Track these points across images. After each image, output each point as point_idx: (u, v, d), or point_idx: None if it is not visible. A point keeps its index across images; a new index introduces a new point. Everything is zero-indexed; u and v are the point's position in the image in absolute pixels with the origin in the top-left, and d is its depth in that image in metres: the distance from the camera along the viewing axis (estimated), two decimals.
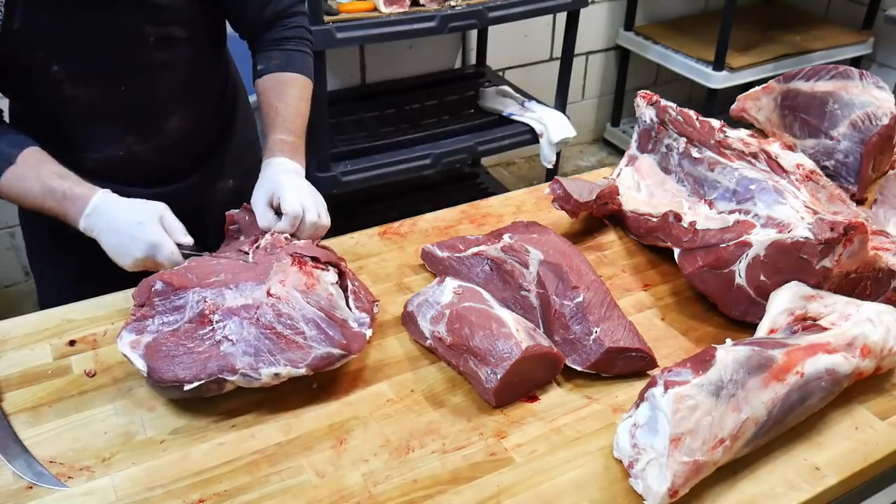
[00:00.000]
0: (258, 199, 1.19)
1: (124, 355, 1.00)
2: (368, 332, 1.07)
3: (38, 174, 1.14)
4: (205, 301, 1.03)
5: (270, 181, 1.20)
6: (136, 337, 1.01)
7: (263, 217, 1.18)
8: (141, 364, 0.98)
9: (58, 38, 1.14)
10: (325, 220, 1.20)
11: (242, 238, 1.22)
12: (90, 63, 1.18)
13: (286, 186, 1.18)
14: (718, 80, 3.10)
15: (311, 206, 1.18)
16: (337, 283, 1.11)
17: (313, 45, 1.38)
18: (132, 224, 1.11)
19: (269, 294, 1.03)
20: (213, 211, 1.39)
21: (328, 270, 1.11)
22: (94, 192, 1.13)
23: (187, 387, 0.97)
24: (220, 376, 0.97)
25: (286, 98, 1.28)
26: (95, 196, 1.13)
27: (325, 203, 1.23)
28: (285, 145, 1.25)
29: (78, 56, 1.17)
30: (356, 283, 1.16)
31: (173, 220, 1.14)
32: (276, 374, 0.99)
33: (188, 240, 1.15)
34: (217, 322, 1.01)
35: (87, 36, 1.16)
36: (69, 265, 1.37)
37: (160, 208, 1.14)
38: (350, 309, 1.10)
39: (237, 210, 1.24)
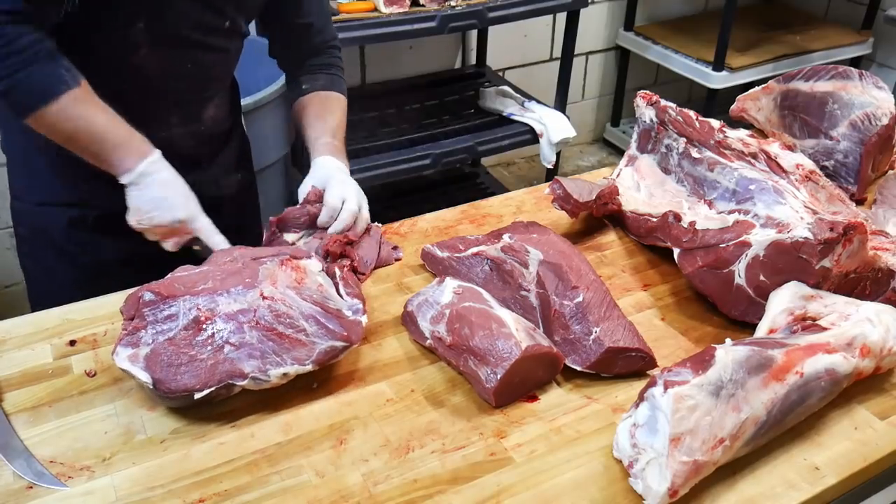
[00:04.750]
0: (305, 186, 1.32)
1: (124, 371, 0.98)
2: (364, 319, 1.07)
3: (105, 105, 1.15)
4: (198, 308, 1.01)
5: (321, 174, 1.32)
6: (132, 350, 0.99)
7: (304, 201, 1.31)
8: (145, 377, 0.97)
9: None
10: (366, 214, 1.32)
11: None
12: (173, 27, 1.21)
13: (333, 180, 1.30)
14: (718, 80, 3.10)
15: (352, 199, 1.29)
16: (323, 270, 1.11)
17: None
18: (187, 188, 1.20)
19: (263, 297, 1.03)
20: (227, 202, 1.43)
21: (311, 258, 1.11)
22: (153, 147, 1.19)
23: (198, 395, 0.96)
24: (230, 381, 0.97)
25: (332, 113, 1.44)
26: (157, 150, 1.19)
27: (366, 200, 1.35)
28: (333, 147, 1.38)
29: (165, 17, 1.19)
30: (343, 271, 1.17)
31: None
32: (285, 374, 0.99)
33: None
34: (216, 328, 1.00)
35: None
36: (65, 271, 1.38)
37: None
38: (342, 296, 1.10)
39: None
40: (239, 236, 1.26)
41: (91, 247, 1.35)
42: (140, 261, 1.25)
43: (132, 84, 1.23)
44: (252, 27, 1.49)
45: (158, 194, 1.17)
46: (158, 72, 1.24)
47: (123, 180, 1.17)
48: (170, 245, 1.22)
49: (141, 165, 1.16)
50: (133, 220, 1.19)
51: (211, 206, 1.37)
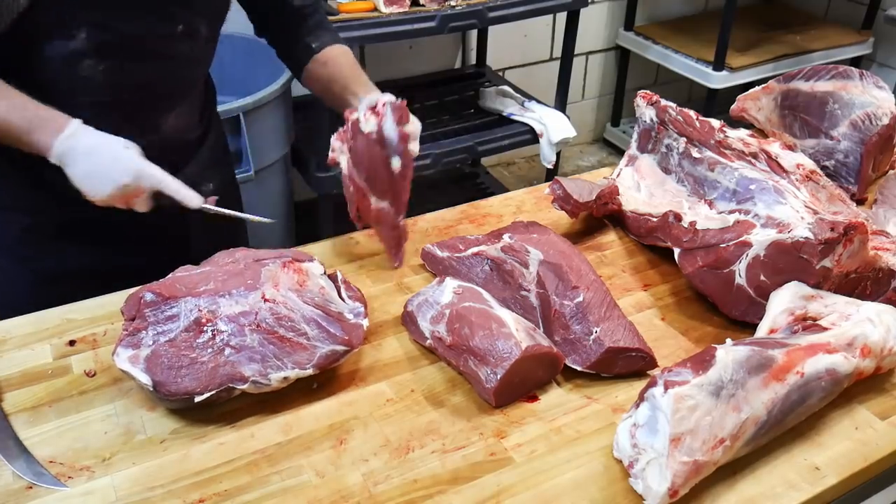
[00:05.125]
0: (387, 97, 1.25)
1: (125, 372, 0.98)
2: (365, 323, 1.07)
3: (6, 89, 1.10)
4: (199, 310, 1.01)
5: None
6: (133, 352, 0.99)
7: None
8: (145, 379, 0.96)
9: (93, 2, 1.11)
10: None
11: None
12: (117, 36, 1.15)
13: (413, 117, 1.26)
14: (718, 80, 3.10)
15: (417, 144, 1.26)
16: (325, 273, 1.11)
17: None
18: (118, 147, 1.11)
19: (265, 299, 1.03)
20: (195, 215, 1.38)
21: (313, 262, 1.11)
22: (69, 118, 1.11)
23: (198, 398, 0.96)
24: (231, 385, 0.97)
25: (358, 64, 1.41)
26: (75, 120, 1.11)
27: None
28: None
29: (107, 25, 1.14)
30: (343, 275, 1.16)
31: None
32: (285, 378, 0.99)
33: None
34: (217, 330, 1.00)
35: (122, 5, 1.14)
36: (22, 276, 1.33)
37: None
38: (343, 299, 1.10)
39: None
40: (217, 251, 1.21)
41: (51, 254, 1.29)
42: (107, 269, 1.22)
43: (79, 97, 1.17)
44: (251, 28, 1.47)
45: (88, 167, 1.10)
46: (105, 83, 1.18)
47: (52, 161, 1.10)
48: (140, 208, 1.15)
49: (57, 144, 1.08)
50: (88, 197, 1.12)
51: (178, 221, 1.27)
